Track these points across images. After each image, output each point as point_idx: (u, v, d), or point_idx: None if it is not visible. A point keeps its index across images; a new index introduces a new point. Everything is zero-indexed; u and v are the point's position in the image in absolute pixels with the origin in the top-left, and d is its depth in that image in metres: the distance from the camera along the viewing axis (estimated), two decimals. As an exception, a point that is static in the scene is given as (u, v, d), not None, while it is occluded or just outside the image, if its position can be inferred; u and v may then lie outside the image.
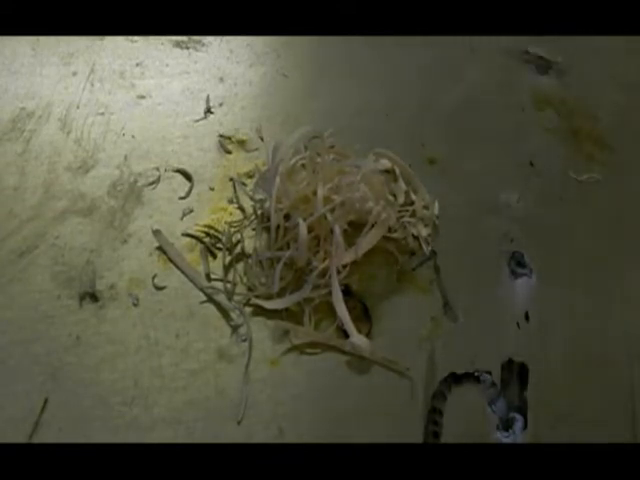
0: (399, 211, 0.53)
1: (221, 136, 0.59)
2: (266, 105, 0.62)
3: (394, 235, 0.52)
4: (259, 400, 0.44)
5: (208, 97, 0.62)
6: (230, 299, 0.48)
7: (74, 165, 0.56)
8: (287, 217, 0.50)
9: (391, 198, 0.53)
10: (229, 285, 0.49)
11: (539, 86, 0.66)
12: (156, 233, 0.51)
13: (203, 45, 0.67)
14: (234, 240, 0.51)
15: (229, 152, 0.58)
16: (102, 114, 0.60)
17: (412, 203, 0.54)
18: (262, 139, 0.59)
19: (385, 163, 0.56)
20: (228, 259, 0.50)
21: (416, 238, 0.52)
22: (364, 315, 0.48)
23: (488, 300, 0.50)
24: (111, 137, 0.58)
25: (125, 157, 0.57)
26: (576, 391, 0.46)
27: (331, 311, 0.48)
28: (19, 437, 0.41)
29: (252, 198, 0.53)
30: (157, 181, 0.55)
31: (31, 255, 0.50)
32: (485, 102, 0.64)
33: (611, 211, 0.56)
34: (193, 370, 0.45)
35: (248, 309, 0.48)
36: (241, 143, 0.58)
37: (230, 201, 0.54)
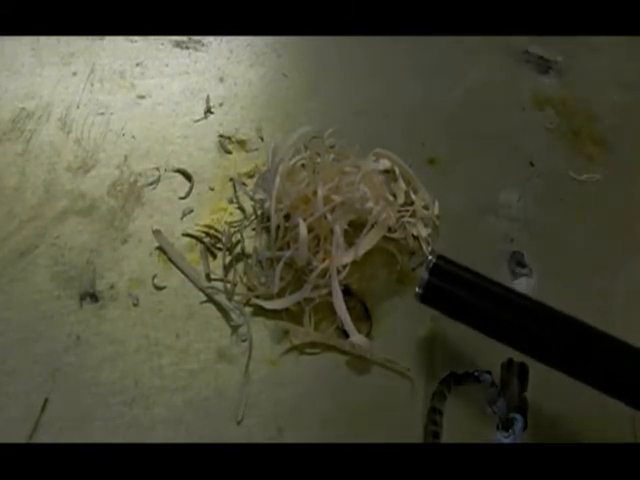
0: (399, 211, 0.53)
1: (221, 136, 0.59)
2: (266, 105, 0.62)
3: (394, 235, 0.52)
4: (259, 400, 0.44)
5: (208, 97, 0.62)
6: (230, 299, 0.48)
7: (74, 165, 0.56)
8: (287, 217, 0.50)
9: (391, 198, 0.53)
10: (229, 285, 0.49)
11: (539, 86, 0.66)
12: (156, 233, 0.51)
13: (203, 45, 0.67)
14: (234, 240, 0.52)
15: (229, 152, 0.58)
16: (102, 114, 0.60)
17: (412, 203, 0.54)
18: (262, 139, 0.59)
19: (385, 163, 0.56)
20: (228, 259, 0.50)
21: (416, 238, 0.52)
22: (364, 315, 0.48)
23: (488, 300, 0.50)
24: (111, 137, 0.58)
25: (125, 157, 0.57)
26: (576, 391, 0.46)
27: (331, 311, 0.48)
28: (19, 437, 0.41)
29: (252, 198, 0.53)
30: (157, 181, 0.55)
31: (31, 255, 0.50)
32: (485, 102, 0.64)
33: (611, 211, 0.56)
34: (193, 370, 0.45)
35: (248, 309, 0.48)
36: (241, 143, 0.58)
37: (230, 201, 0.54)
